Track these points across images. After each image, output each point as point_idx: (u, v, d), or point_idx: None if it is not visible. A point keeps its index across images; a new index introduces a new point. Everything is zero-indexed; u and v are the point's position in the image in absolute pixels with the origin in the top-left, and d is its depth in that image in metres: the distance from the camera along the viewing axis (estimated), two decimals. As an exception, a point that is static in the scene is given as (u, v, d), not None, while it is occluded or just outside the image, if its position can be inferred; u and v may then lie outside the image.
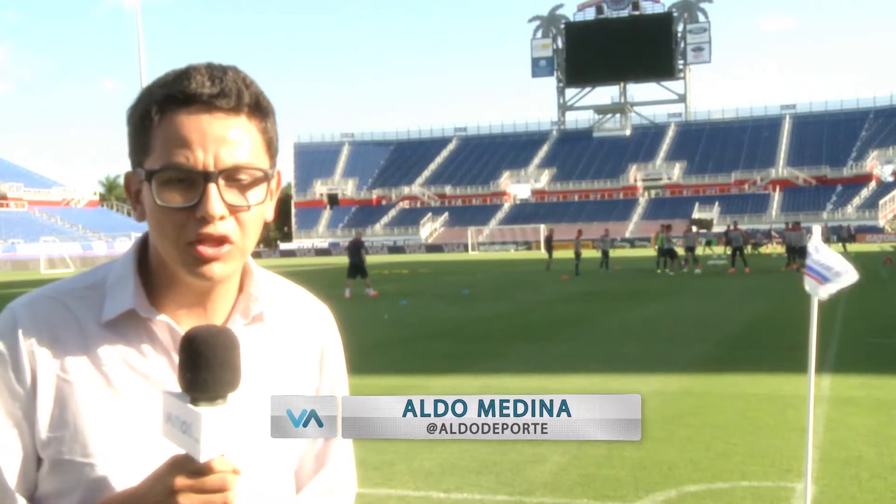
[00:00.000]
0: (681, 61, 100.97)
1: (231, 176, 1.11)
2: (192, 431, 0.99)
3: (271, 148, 1.18)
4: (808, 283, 4.47)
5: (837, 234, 47.18)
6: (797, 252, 28.17)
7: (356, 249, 22.48)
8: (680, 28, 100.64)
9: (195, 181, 1.09)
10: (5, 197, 68.82)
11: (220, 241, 1.11)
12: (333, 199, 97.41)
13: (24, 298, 1.19)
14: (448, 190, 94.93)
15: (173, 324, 1.17)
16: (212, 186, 1.09)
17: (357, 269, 22.24)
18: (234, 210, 1.11)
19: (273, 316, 1.26)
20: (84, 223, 68.26)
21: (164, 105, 1.10)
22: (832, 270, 4.39)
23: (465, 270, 37.78)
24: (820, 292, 4.44)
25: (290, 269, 35.97)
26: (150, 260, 1.21)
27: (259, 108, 1.15)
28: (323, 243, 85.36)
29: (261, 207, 1.15)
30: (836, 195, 79.96)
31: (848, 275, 4.36)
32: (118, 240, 61.91)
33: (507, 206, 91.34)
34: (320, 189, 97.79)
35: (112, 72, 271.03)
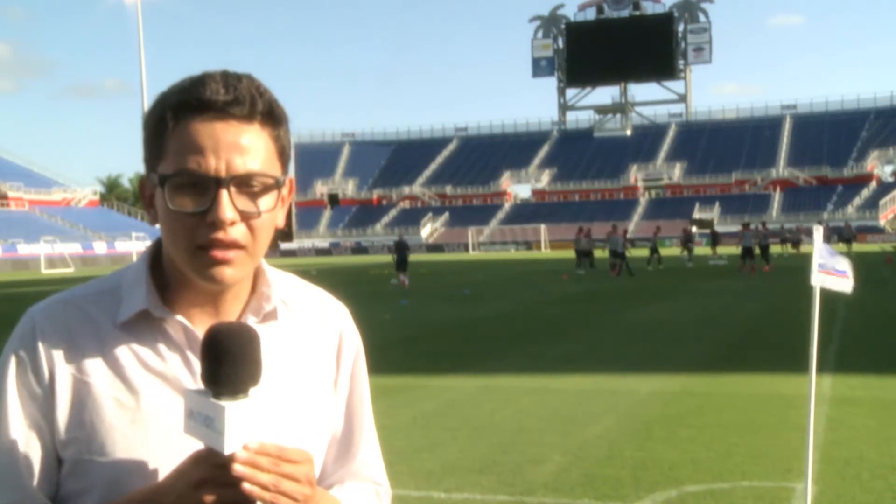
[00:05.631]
0: (681, 61, 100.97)
1: (242, 182, 1.13)
2: (215, 425, 1.01)
3: (283, 155, 1.20)
4: (825, 280, 4.47)
5: (839, 234, 47.03)
6: (748, 253, 29.31)
7: (403, 246, 27.27)
8: (681, 28, 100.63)
9: (207, 186, 1.11)
10: (6, 197, 68.81)
11: (231, 246, 1.13)
12: (334, 199, 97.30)
13: (43, 303, 1.22)
14: (448, 190, 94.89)
15: (186, 323, 1.20)
16: (223, 192, 1.11)
17: (404, 263, 26.86)
18: (244, 216, 1.13)
19: (287, 314, 1.28)
20: (84, 223, 68.26)
21: (179, 111, 1.12)
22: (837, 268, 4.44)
23: (465, 270, 37.81)
24: (831, 285, 4.47)
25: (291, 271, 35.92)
26: (163, 262, 1.23)
27: (272, 116, 1.17)
28: (323, 243, 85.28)
29: (271, 214, 1.17)
30: (837, 195, 79.87)
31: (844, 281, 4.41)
32: (118, 240, 61.93)
33: (507, 206, 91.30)
34: (321, 189, 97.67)
35: (113, 71, 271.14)
